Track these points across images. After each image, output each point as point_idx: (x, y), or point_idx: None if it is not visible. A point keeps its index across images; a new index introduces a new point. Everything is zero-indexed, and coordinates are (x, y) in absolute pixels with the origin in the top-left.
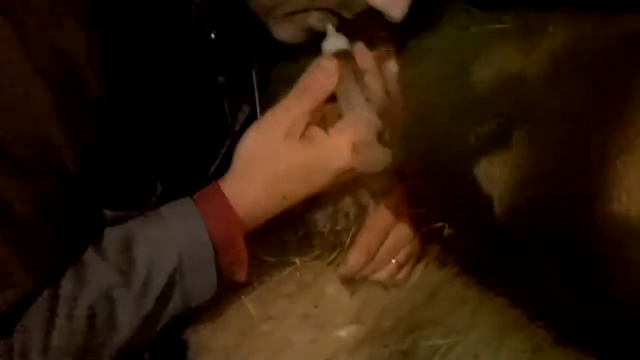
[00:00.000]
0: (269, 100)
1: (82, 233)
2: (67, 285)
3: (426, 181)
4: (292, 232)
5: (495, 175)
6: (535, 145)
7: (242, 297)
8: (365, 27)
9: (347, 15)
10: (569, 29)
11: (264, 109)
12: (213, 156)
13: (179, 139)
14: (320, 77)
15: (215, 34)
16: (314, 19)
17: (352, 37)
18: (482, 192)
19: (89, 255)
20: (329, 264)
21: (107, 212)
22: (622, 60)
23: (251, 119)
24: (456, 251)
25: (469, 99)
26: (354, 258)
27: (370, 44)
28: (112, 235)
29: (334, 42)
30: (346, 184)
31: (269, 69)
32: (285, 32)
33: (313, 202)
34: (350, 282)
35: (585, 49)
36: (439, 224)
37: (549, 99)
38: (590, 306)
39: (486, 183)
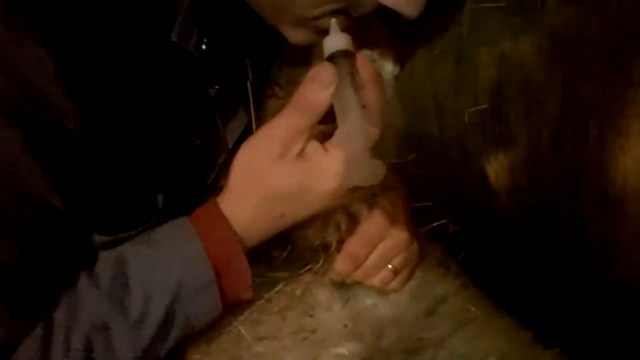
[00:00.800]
0: (265, 106)
1: (74, 263)
2: (60, 316)
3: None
4: (279, 249)
5: (490, 153)
6: (531, 124)
7: (233, 319)
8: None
9: (355, 14)
10: (568, 6)
11: (259, 117)
12: (210, 167)
13: (172, 155)
14: (316, 88)
15: (206, 44)
16: (326, 22)
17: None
18: (477, 172)
19: (82, 283)
20: (316, 273)
21: (101, 238)
22: (621, 39)
23: (249, 126)
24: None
25: (464, 76)
26: (340, 265)
27: (368, 39)
28: (105, 262)
29: (335, 40)
30: None
31: (264, 75)
32: (298, 36)
33: None
34: (343, 290)
35: (584, 27)
36: (442, 222)
37: (546, 77)
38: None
39: (481, 161)
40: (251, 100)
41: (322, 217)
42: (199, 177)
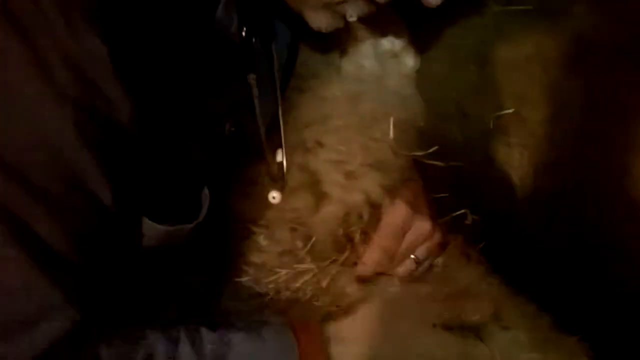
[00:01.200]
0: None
1: (123, 258)
2: None
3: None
4: (303, 240)
5: (514, 160)
6: (556, 129)
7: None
8: (381, 17)
9: (382, 1)
10: (594, 12)
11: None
12: (242, 157)
13: (211, 144)
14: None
15: (245, 32)
16: (350, 6)
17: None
18: (501, 177)
19: (183, 344)
20: (342, 264)
21: (160, 228)
22: None
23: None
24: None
25: (487, 80)
26: (370, 258)
27: (387, 35)
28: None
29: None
30: (355, 183)
31: (289, 68)
32: (322, 21)
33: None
34: (369, 280)
35: (609, 33)
36: (461, 211)
37: (571, 82)
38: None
39: (505, 168)
40: (278, 89)
41: (345, 208)
42: (232, 166)
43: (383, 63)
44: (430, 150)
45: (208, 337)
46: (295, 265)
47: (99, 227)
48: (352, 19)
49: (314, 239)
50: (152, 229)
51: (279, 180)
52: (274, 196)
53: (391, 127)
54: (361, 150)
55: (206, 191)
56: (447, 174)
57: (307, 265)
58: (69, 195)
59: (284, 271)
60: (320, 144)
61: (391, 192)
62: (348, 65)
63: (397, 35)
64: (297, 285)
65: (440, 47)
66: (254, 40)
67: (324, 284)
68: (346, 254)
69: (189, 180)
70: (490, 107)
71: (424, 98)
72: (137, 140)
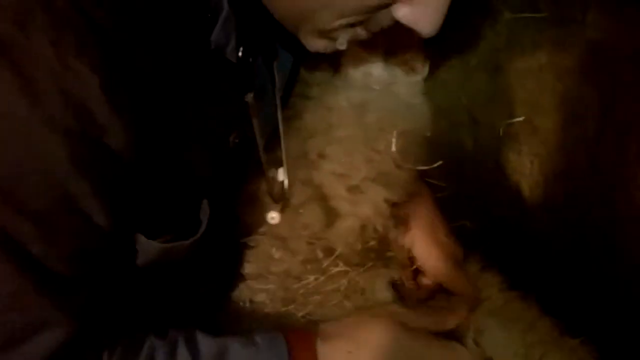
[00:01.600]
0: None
1: (121, 272)
2: None
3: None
4: (324, 251)
5: (525, 168)
6: (568, 138)
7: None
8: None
9: (374, 29)
10: (608, 20)
11: (287, 116)
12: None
13: (214, 157)
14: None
15: (243, 51)
16: (342, 34)
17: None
18: (511, 185)
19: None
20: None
21: (156, 245)
22: None
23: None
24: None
25: (499, 88)
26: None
27: (399, 41)
28: (210, 344)
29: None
30: (361, 197)
31: (294, 75)
32: (318, 45)
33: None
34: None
35: (623, 42)
36: (460, 223)
37: (583, 90)
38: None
39: (515, 176)
40: (279, 108)
41: (359, 221)
42: (235, 178)
43: (391, 70)
44: (435, 165)
45: (205, 343)
46: (331, 268)
47: (92, 244)
48: (342, 47)
49: (339, 250)
50: (147, 246)
51: (279, 200)
52: (273, 217)
53: (394, 140)
54: (365, 163)
55: (206, 205)
56: (454, 181)
57: (342, 267)
58: (61, 215)
59: (312, 277)
60: (323, 156)
61: (403, 217)
62: (355, 72)
63: (406, 42)
64: (330, 288)
65: (451, 54)
66: (251, 59)
67: (361, 281)
68: (395, 268)
69: (189, 195)
70: (501, 115)
71: (435, 105)
72: (133, 160)
